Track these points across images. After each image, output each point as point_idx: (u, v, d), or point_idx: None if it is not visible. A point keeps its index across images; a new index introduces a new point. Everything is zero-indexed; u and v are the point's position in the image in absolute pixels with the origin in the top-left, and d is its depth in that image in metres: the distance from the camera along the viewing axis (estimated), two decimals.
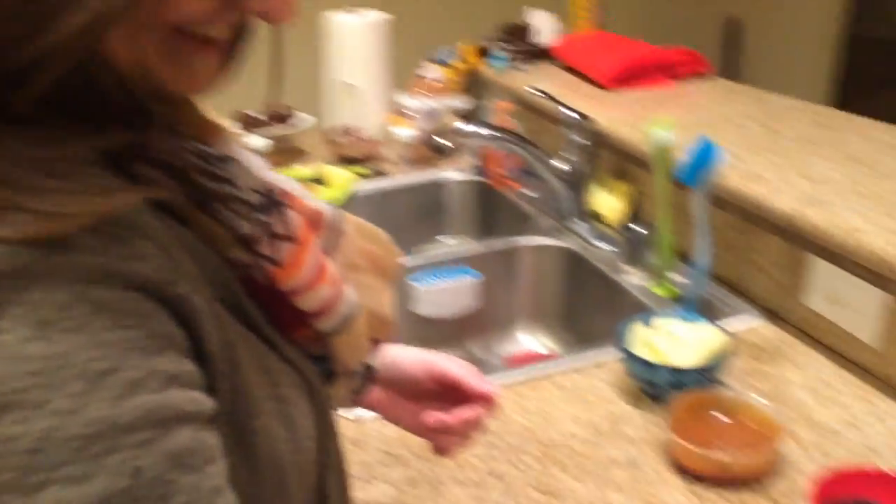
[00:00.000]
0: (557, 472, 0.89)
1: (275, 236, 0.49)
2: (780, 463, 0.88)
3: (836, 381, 1.03)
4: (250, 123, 1.83)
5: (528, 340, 1.51)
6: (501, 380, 1.06)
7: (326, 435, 0.54)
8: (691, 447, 0.87)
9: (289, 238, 0.50)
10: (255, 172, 0.50)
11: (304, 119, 1.92)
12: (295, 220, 0.51)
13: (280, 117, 1.87)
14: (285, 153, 1.85)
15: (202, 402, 0.41)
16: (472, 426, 0.74)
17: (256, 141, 1.75)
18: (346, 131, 1.87)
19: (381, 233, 0.64)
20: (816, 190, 1.13)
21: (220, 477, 0.40)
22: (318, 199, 0.57)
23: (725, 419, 0.93)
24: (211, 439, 0.40)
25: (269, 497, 0.47)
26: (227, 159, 0.49)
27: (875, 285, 1.00)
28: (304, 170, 1.72)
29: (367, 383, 0.68)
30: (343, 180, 1.69)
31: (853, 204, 1.07)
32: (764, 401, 0.93)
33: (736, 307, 1.20)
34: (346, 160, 1.82)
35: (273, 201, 0.50)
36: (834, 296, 1.07)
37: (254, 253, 0.48)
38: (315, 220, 0.55)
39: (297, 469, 0.50)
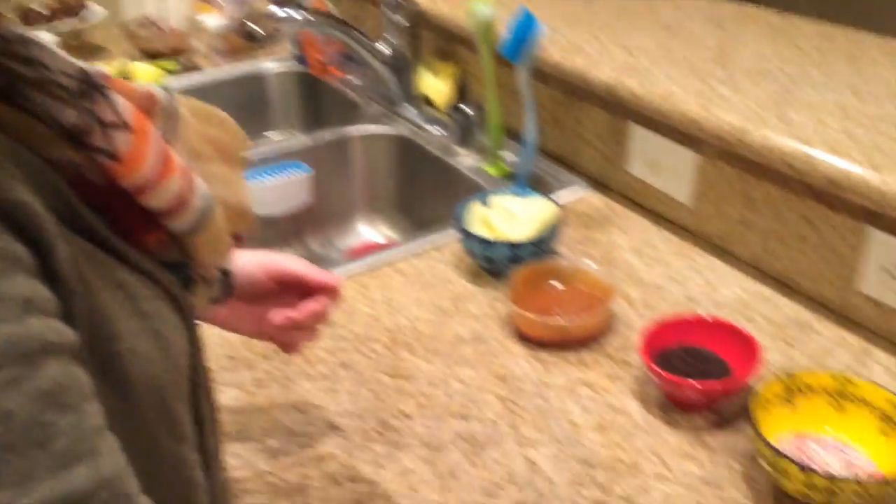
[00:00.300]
0: (406, 356, 0.90)
1: (106, 125, 0.42)
2: (614, 321, 0.93)
3: (658, 241, 1.09)
4: (33, 18, 1.63)
5: (368, 231, 1.50)
6: (343, 272, 1.04)
7: (198, 350, 0.50)
8: (531, 316, 0.90)
9: (123, 125, 0.42)
10: (63, 56, 0.43)
11: (95, 11, 1.73)
12: (124, 105, 0.43)
13: (69, 10, 1.67)
14: (78, 50, 1.67)
15: (64, 331, 0.35)
16: (320, 318, 0.72)
17: (42, 38, 1.57)
18: (148, 23, 1.71)
19: (222, 115, 0.57)
20: (633, 59, 1.16)
21: (99, 415, 0.36)
22: (144, 83, 0.50)
23: (561, 286, 0.97)
24: (82, 374, 0.36)
25: (152, 428, 0.43)
26: (27, 40, 0.41)
27: (687, 147, 1.06)
28: (104, 68, 1.57)
29: (226, 291, 0.64)
30: (149, 77, 1.56)
31: (666, 70, 1.11)
32: (595, 266, 0.98)
33: (565, 180, 1.23)
34: (151, 55, 1.67)
35: (94, 84, 0.42)
36: (652, 161, 1.12)
37: (84, 147, 0.41)
38: (146, 105, 0.47)
39: (176, 390, 0.46)
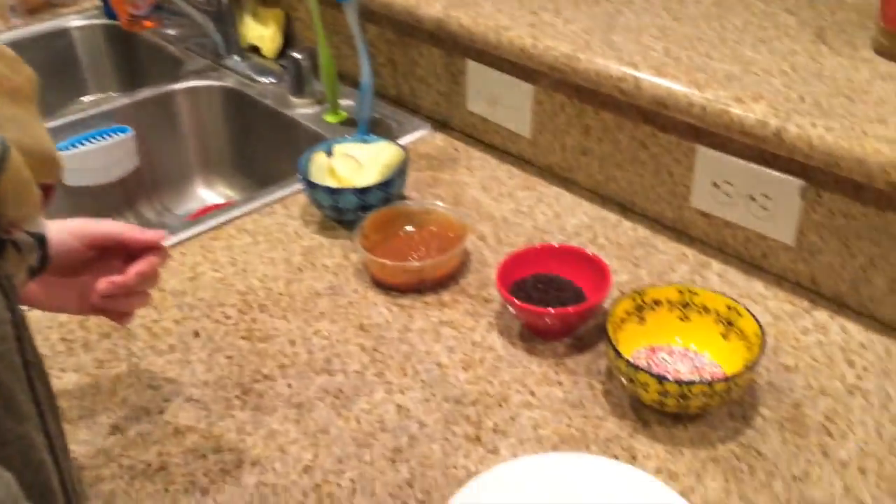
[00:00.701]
0: (261, 316, 0.86)
1: None
2: (469, 260, 0.94)
3: (504, 176, 1.10)
4: None
5: (207, 194, 1.42)
6: (182, 237, 0.98)
7: (21, 321, 0.44)
8: (387, 262, 0.88)
9: None
10: None
11: None
12: None
13: None
14: None
15: None
16: (149, 279, 0.67)
17: None
18: None
19: (3, 50, 0.50)
20: None
21: None
22: None
23: (414, 230, 0.95)
24: None
25: None
26: None
27: (523, 79, 1.06)
28: None
29: (43, 260, 0.56)
30: None
31: (495, 2, 1.11)
32: (445, 206, 0.97)
33: (406, 122, 1.22)
34: None
35: None
36: (491, 96, 1.12)
37: None
38: None
39: (6, 363, 0.41)
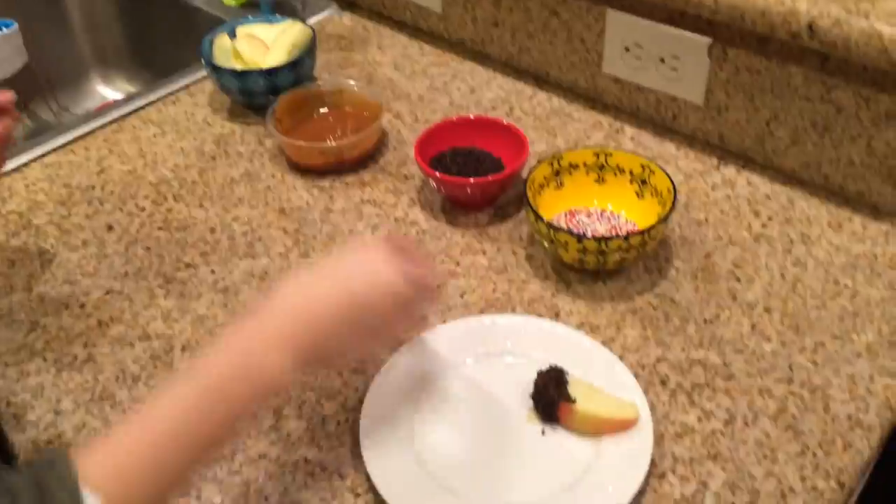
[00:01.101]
0: (177, 206, 0.84)
1: None
2: (386, 138, 0.93)
3: (415, 53, 1.08)
4: None
5: (108, 92, 1.35)
6: (83, 130, 0.93)
7: None
8: (303, 144, 0.87)
9: None
10: None
11: None
12: None
13: None
14: None
15: None
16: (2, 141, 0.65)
17: None
18: None
19: None
20: None
21: None
22: None
23: (328, 111, 0.94)
24: None
25: None
26: None
27: None
28: None
29: None
30: None
31: None
32: (357, 84, 0.95)
33: (312, 2, 1.17)
34: None
35: None
36: None
37: None
38: None
39: None
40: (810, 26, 0.73)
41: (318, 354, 0.51)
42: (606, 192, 0.81)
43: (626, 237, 0.70)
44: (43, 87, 1.29)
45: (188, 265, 0.77)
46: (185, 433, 0.45)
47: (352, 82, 0.95)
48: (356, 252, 0.55)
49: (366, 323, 0.52)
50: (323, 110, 0.94)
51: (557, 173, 0.80)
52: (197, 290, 0.75)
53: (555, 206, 0.79)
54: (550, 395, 0.61)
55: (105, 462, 0.42)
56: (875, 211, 0.80)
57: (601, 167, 0.80)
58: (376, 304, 0.52)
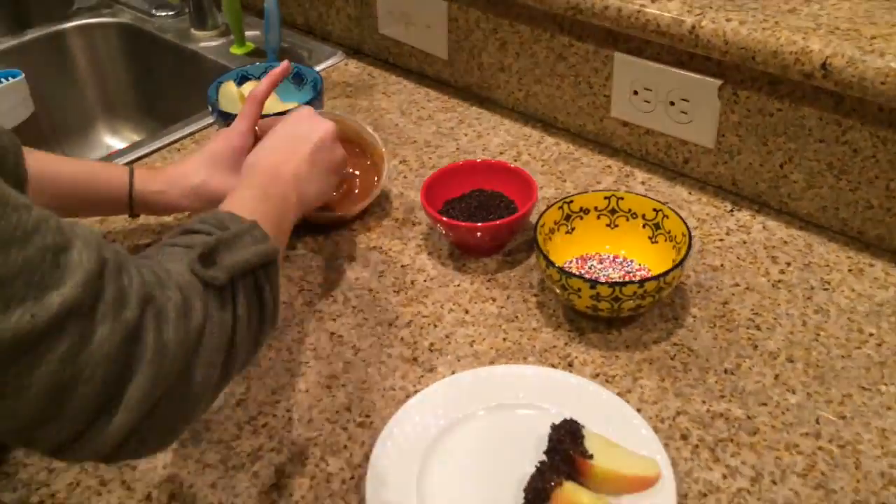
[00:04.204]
0: None
1: None
2: (393, 184, 0.91)
3: (422, 99, 1.07)
4: None
5: (114, 141, 1.35)
6: None
7: None
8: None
9: None
10: None
11: None
12: None
13: None
14: None
15: None
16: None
17: None
18: None
19: None
20: None
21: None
22: None
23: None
24: None
25: None
26: None
27: None
28: None
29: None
30: None
31: None
32: (370, 129, 0.94)
33: (318, 50, 1.17)
34: None
35: None
36: (404, 16, 1.08)
37: None
38: None
39: None
40: (824, 66, 0.71)
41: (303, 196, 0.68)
42: (618, 237, 0.79)
43: (642, 283, 0.68)
44: (49, 137, 1.29)
45: None
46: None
47: (364, 125, 0.92)
48: (292, 120, 0.74)
49: (322, 159, 0.71)
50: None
51: (568, 217, 0.78)
52: None
53: (565, 252, 0.77)
54: (566, 450, 0.58)
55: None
56: None
57: (613, 211, 0.79)
58: (324, 143, 0.71)
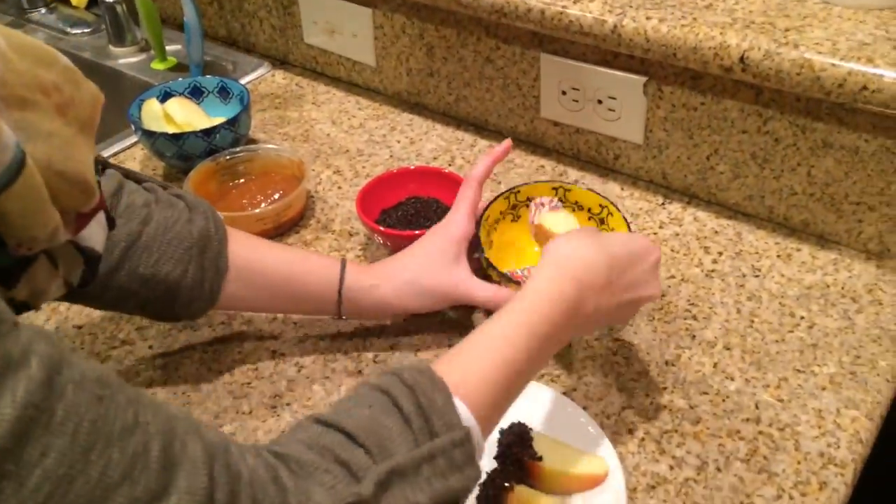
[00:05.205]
0: None
1: None
2: (326, 195, 0.90)
3: (352, 108, 1.06)
4: None
5: None
6: None
7: None
8: (237, 214, 0.83)
9: None
10: None
11: None
12: None
13: None
14: None
15: None
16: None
17: None
18: None
19: (68, 64, 0.45)
20: None
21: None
22: None
23: (245, 180, 0.89)
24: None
25: None
26: None
27: (359, 3, 1.02)
28: None
29: (93, 270, 0.50)
30: None
31: None
32: (272, 146, 0.91)
33: (243, 62, 1.15)
34: None
35: None
36: (328, 26, 1.07)
37: None
38: None
39: None
40: (742, 59, 0.73)
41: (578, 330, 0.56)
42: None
43: None
44: None
45: (124, 342, 0.73)
46: (523, 373, 0.50)
47: (269, 146, 0.91)
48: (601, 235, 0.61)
49: (624, 282, 0.58)
50: (240, 181, 0.89)
51: (514, 207, 0.78)
52: (135, 367, 0.70)
53: (510, 243, 0.77)
54: (515, 455, 0.58)
55: (465, 380, 0.46)
56: (822, 240, 0.81)
57: (560, 201, 0.79)
58: (635, 263, 0.59)
